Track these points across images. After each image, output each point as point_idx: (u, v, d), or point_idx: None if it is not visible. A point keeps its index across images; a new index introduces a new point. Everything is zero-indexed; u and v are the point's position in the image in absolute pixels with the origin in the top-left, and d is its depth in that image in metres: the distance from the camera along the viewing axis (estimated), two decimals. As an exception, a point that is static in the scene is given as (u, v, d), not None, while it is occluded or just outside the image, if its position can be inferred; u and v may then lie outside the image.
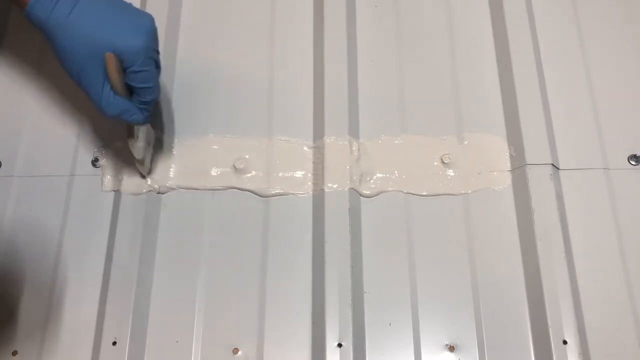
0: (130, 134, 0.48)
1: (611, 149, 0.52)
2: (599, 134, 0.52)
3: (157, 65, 0.45)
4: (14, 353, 0.49)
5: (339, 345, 0.46)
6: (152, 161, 0.53)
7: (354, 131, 0.54)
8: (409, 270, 0.50)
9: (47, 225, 0.53)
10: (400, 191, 0.52)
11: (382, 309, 0.49)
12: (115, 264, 0.50)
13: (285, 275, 0.50)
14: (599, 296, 0.47)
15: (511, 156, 0.53)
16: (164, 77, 0.54)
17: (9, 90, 0.59)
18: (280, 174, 0.54)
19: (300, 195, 0.53)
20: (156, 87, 0.46)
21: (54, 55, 0.44)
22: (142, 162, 0.51)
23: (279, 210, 0.53)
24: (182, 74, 0.58)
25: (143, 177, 0.53)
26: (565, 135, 0.52)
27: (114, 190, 0.54)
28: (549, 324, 0.45)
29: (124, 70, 0.43)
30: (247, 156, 0.54)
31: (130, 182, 0.53)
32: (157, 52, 0.45)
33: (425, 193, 0.52)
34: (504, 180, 0.52)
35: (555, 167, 0.51)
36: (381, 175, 0.53)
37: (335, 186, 0.51)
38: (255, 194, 0.53)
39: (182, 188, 0.54)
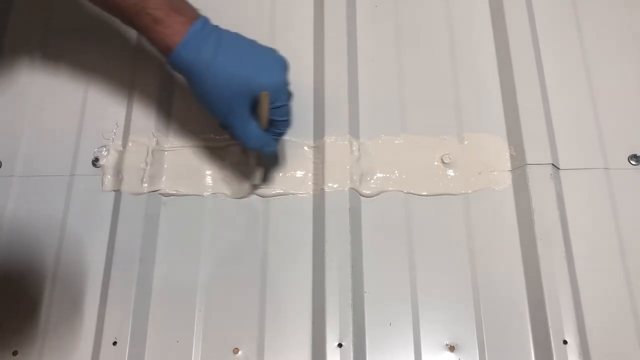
0: (247, 158, 0.52)
1: (611, 149, 0.52)
2: (599, 134, 0.52)
3: (291, 98, 0.47)
4: (14, 353, 0.49)
5: (339, 345, 0.46)
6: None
7: (354, 131, 0.54)
8: (409, 270, 0.50)
9: (47, 226, 0.53)
10: (400, 191, 0.52)
11: (382, 309, 0.49)
12: (115, 264, 0.50)
13: (285, 275, 0.50)
14: (599, 296, 0.47)
15: (511, 156, 0.53)
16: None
17: (9, 90, 0.59)
18: (280, 174, 0.54)
19: (300, 195, 0.53)
20: (290, 117, 0.47)
21: (194, 96, 0.45)
22: (257, 185, 0.53)
23: (279, 210, 0.53)
24: (182, 73, 0.58)
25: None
26: (565, 135, 0.52)
27: (114, 190, 0.54)
28: (549, 324, 0.45)
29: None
30: (247, 157, 0.54)
31: (131, 182, 0.53)
32: (289, 85, 0.46)
33: (425, 193, 0.52)
34: (504, 180, 0.52)
35: (555, 167, 0.51)
36: (381, 175, 0.53)
37: (335, 186, 0.51)
38: (256, 194, 0.53)
39: (181, 195, 0.54)
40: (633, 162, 0.51)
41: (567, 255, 0.47)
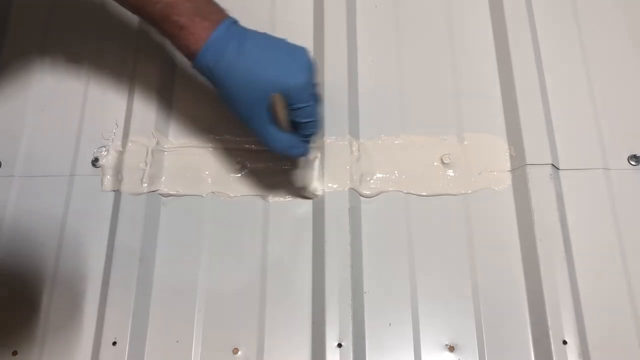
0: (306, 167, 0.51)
1: (611, 149, 0.52)
2: (599, 134, 0.52)
3: (318, 99, 0.46)
4: (14, 353, 0.49)
5: (339, 345, 0.46)
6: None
7: (354, 131, 0.54)
8: (409, 270, 0.50)
9: (47, 226, 0.53)
10: (400, 191, 0.52)
11: (382, 309, 0.49)
12: (115, 264, 0.50)
13: (285, 275, 0.50)
14: (599, 296, 0.47)
15: (511, 156, 0.53)
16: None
17: (9, 90, 0.59)
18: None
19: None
20: (318, 121, 0.46)
21: (220, 98, 0.45)
22: (306, 188, 0.52)
23: (279, 210, 0.53)
24: (182, 73, 0.58)
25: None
26: (565, 136, 0.52)
27: (114, 190, 0.54)
28: (549, 324, 0.45)
29: (289, 107, 0.44)
30: (247, 157, 0.54)
31: (130, 182, 0.53)
32: (317, 85, 0.45)
33: (425, 193, 0.52)
34: (504, 180, 0.52)
35: (555, 167, 0.51)
36: (381, 175, 0.53)
37: (335, 186, 0.51)
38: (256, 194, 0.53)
39: (181, 195, 0.54)
40: (633, 163, 0.51)
41: (567, 255, 0.47)
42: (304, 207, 0.53)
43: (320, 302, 0.48)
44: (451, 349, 0.47)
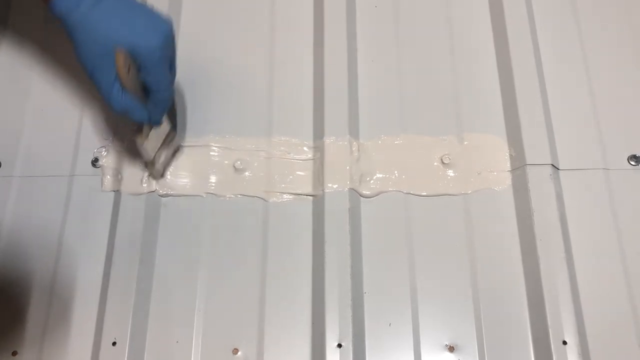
0: (140, 133, 0.48)
1: (611, 149, 0.52)
2: (599, 134, 0.52)
3: (172, 69, 0.45)
4: (14, 353, 0.49)
5: (339, 345, 0.46)
6: (166, 165, 0.53)
7: (354, 131, 0.54)
8: (409, 270, 0.50)
9: (47, 226, 0.53)
10: (400, 191, 0.52)
11: (382, 309, 0.49)
12: (115, 264, 0.50)
13: (285, 275, 0.50)
14: (599, 296, 0.47)
15: (511, 156, 0.53)
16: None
17: (9, 90, 0.59)
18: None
19: (300, 196, 0.53)
20: (168, 90, 0.46)
21: (73, 51, 0.45)
22: (152, 164, 0.51)
23: (279, 210, 0.53)
24: (182, 73, 0.58)
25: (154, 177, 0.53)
26: (565, 135, 0.52)
27: (114, 190, 0.54)
28: (549, 324, 0.45)
29: (138, 69, 0.43)
30: (247, 157, 0.54)
31: (130, 182, 0.53)
32: (173, 57, 0.45)
33: (425, 193, 0.52)
34: (504, 181, 0.52)
35: (555, 167, 0.51)
36: (381, 175, 0.53)
37: (335, 186, 0.51)
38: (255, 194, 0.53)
39: (182, 195, 0.54)
40: (632, 163, 0.51)
41: (567, 255, 0.47)
42: (304, 207, 0.53)
43: (320, 302, 0.48)
44: (451, 349, 0.47)
